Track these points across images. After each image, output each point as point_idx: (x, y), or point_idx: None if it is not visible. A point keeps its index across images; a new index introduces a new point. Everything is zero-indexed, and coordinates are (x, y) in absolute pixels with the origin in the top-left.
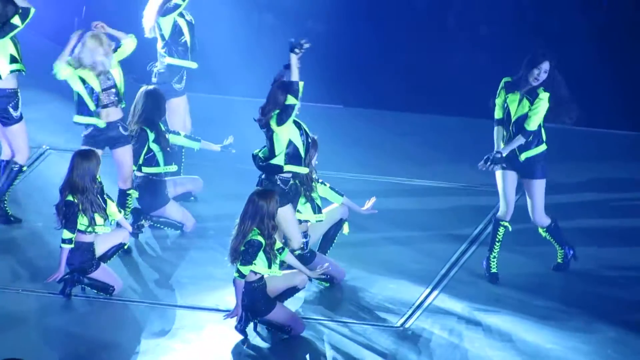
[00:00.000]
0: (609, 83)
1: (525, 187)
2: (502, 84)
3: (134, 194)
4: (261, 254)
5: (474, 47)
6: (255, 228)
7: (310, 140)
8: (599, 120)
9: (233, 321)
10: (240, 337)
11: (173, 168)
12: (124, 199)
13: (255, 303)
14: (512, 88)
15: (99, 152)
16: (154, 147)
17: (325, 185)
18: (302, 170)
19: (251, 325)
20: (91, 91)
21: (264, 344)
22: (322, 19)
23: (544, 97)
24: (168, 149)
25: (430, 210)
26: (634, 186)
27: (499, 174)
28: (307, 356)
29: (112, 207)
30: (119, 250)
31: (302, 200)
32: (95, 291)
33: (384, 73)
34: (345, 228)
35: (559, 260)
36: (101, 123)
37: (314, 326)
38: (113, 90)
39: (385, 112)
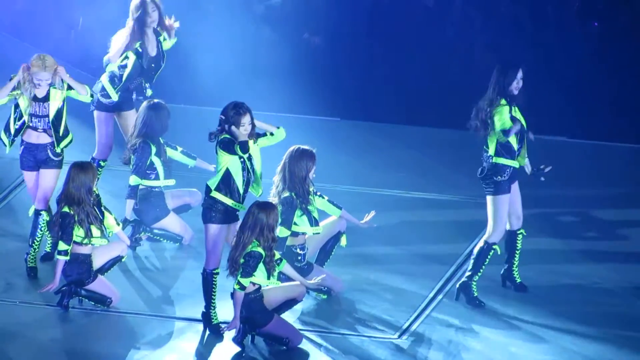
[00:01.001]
0: (604, 95)
1: (514, 192)
2: (504, 102)
3: (46, 216)
4: (261, 266)
5: (471, 60)
6: (255, 240)
7: (249, 178)
8: (594, 132)
9: (231, 333)
10: (238, 349)
11: (171, 182)
12: (36, 219)
13: (253, 314)
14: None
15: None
16: (156, 160)
17: (323, 198)
18: (227, 200)
19: (248, 337)
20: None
21: (261, 357)
22: (319, 32)
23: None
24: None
25: (427, 223)
26: (627, 200)
27: (505, 197)
28: None
29: (109, 220)
30: (117, 262)
31: (298, 212)
32: (93, 303)
33: (381, 86)
34: (343, 240)
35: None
36: (8, 147)
37: (312, 338)
38: (45, 119)
39: (382, 125)
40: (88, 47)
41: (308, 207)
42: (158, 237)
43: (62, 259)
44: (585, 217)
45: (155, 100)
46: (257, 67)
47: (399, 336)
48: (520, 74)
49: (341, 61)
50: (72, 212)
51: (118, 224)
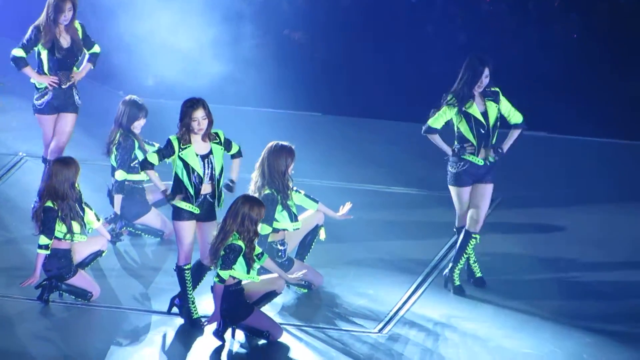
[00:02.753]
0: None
1: (476, 192)
2: (450, 99)
3: None
4: (241, 259)
5: (453, 55)
6: (235, 232)
7: (198, 182)
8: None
9: (212, 327)
10: (219, 343)
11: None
12: None
13: (233, 308)
14: (464, 100)
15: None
16: (139, 153)
17: (300, 192)
18: (181, 204)
19: (229, 331)
20: None
21: (242, 350)
22: (300, 27)
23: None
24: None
25: (408, 217)
26: (621, 195)
27: (457, 189)
28: None
29: (90, 215)
30: (97, 257)
31: (279, 208)
32: (73, 297)
33: (363, 81)
34: (322, 234)
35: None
36: None
37: (293, 332)
38: None
39: (363, 120)
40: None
41: (288, 203)
42: (139, 232)
43: (42, 253)
44: (565, 211)
45: (133, 96)
46: (239, 62)
47: (379, 330)
48: (486, 72)
49: (322, 56)
50: (55, 207)
51: (98, 220)
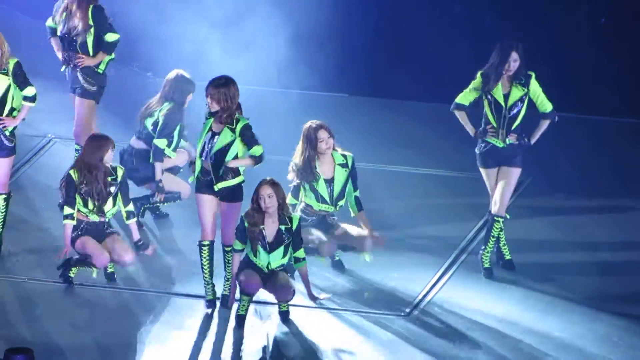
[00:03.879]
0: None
1: (500, 175)
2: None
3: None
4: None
5: (480, 36)
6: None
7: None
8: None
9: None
10: (243, 324)
11: (174, 155)
12: None
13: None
14: (490, 82)
15: None
16: (177, 130)
17: (355, 191)
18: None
19: (253, 310)
20: None
21: (268, 331)
22: (326, 6)
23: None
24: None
25: (436, 200)
26: (633, 174)
27: (484, 171)
28: (316, 344)
29: (110, 205)
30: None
31: (306, 186)
32: (84, 268)
33: (390, 61)
34: (367, 257)
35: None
36: None
37: (322, 315)
38: None
39: (390, 101)
40: None
41: (314, 186)
42: (157, 204)
43: (69, 223)
44: (596, 193)
45: (180, 71)
46: (264, 44)
47: (408, 313)
48: (514, 56)
49: (349, 36)
50: (75, 178)
51: (129, 218)
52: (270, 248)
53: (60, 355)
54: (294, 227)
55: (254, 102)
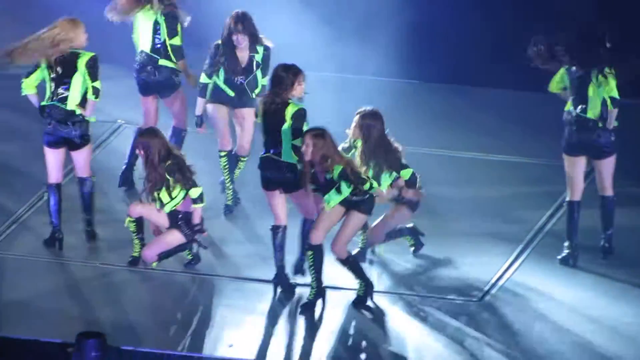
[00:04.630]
0: None
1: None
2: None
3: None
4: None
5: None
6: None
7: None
8: None
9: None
10: (312, 310)
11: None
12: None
13: None
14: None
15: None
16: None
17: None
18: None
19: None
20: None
21: (340, 317)
22: None
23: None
24: None
25: (508, 186)
26: None
27: (565, 157)
28: (386, 329)
29: (165, 195)
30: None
31: None
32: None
33: (461, 47)
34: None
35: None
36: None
37: (393, 300)
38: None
39: (462, 87)
40: None
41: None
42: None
43: (198, 207)
44: None
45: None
46: (335, 31)
47: (480, 299)
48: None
49: (420, 22)
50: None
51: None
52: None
53: (132, 339)
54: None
55: (329, 89)
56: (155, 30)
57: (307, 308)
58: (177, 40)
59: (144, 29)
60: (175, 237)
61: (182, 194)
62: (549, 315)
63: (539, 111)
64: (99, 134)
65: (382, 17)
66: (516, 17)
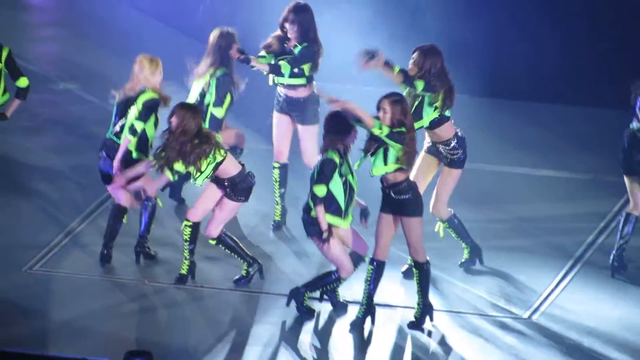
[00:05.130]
0: None
1: None
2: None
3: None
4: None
5: (600, 38)
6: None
7: None
8: None
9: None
10: (366, 328)
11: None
12: None
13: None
14: None
15: None
16: (228, 96)
17: None
18: None
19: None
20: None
21: (381, 333)
22: (437, 13)
23: None
24: None
25: (557, 201)
26: None
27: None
28: (433, 346)
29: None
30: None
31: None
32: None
33: (511, 63)
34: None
35: None
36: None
37: (440, 317)
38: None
39: (510, 102)
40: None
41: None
42: None
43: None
44: None
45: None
46: (398, 51)
47: (529, 316)
48: None
49: (470, 38)
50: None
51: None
52: None
53: (180, 357)
54: None
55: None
56: (203, 91)
57: (356, 325)
58: (219, 112)
59: (194, 87)
60: (216, 194)
61: (210, 167)
62: (599, 333)
63: (582, 126)
64: None
65: (432, 33)
66: (561, 37)
